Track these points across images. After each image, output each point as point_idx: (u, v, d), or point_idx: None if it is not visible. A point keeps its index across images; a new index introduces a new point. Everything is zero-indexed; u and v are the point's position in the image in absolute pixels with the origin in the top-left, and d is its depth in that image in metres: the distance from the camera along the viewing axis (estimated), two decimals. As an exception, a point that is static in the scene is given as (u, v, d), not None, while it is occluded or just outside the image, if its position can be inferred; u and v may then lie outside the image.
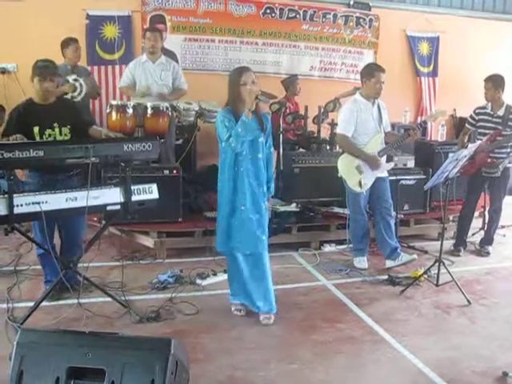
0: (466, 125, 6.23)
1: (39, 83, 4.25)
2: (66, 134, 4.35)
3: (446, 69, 9.58)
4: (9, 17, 7.29)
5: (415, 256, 5.69)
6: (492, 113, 5.95)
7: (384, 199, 5.56)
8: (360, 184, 5.40)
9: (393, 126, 7.46)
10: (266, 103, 4.13)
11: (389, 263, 5.59)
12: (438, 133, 8.37)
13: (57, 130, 4.32)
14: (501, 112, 5.91)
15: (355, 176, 5.42)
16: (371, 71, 5.41)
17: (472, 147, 5.16)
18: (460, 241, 6.31)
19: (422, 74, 9.71)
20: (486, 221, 6.49)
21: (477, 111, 6.10)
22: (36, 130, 4.24)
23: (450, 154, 5.28)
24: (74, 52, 6.48)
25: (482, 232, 6.56)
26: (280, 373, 3.54)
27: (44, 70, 4.25)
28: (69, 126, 4.37)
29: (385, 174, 5.59)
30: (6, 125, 4.28)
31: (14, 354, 2.65)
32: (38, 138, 4.23)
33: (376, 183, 5.49)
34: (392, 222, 5.67)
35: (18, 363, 2.62)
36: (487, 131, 5.96)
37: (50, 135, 4.29)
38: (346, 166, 5.51)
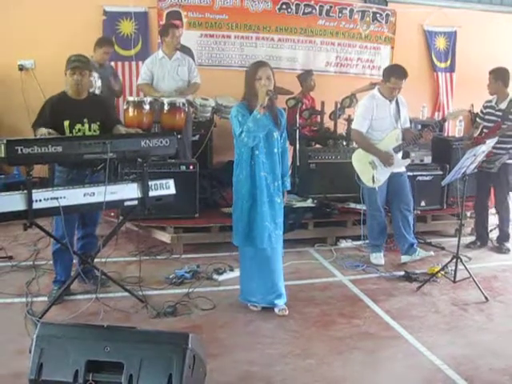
0: (477, 119, 6.16)
1: (70, 76, 4.28)
2: (95, 130, 4.39)
3: (463, 64, 9.49)
4: (26, 13, 7.34)
5: (432, 252, 5.68)
6: (495, 106, 5.91)
7: (404, 194, 5.54)
8: (373, 179, 5.39)
9: (410, 121, 7.41)
10: (275, 99, 4.15)
11: (404, 258, 5.58)
12: (455, 128, 8.30)
13: (86, 125, 4.35)
14: (503, 105, 5.87)
15: (369, 171, 5.41)
16: (389, 76, 5.29)
17: (491, 142, 5.11)
18: (477, 236, 6.31)
19: (438, 69, 9.64)
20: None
21: (485, 105, 6.07)
22: (66, 123, 4.27)
23: (468, 150, 5.24)
24: (102, 54, 6.51)
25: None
26: (296, 368, 3.54)
27: (76, 63, 4.28)
28: (98, 123, 4.40)
29: (402, 170, 5.57)
30: (37, 115, 4.32)
31: (33, 347, 2.68)
32: (67, 132, 4.27)
33: (393, 179, 5.46)
34: (411, 218, 5.65)
35: (37, 356, 2.65)
36: (490, 124, 5.92)
37: (79, 130, 4.33)
38: (360, 161, 5.51)
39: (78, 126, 4.31)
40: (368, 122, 5.36)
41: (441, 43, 9.58)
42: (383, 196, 5.55)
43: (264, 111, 3.97)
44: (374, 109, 5.34)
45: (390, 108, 5.40)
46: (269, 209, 4.18)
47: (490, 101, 6.03)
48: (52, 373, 2.63)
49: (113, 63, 7.84)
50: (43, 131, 4.06)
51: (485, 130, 5.98)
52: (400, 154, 5.49)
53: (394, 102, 5.42)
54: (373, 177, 5.39)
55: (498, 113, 5.88)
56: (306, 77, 7.77)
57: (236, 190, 4.25)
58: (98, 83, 6.14)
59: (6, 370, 3.33)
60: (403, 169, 5.59)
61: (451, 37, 9.57)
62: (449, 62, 9.68)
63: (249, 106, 4.10)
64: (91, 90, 5.83)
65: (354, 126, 5.52)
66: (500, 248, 6.16)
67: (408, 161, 5.66)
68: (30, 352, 2.68)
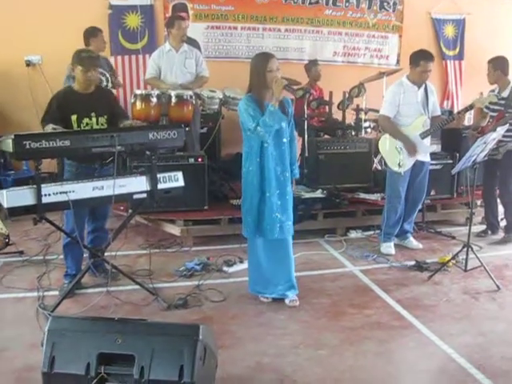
0: (484, 108, 6.06)
1: (82, 73, 4.28)
2: (102, 124, 4.39)
3: (472, 51, 9.41)
4: (32, 9, 7.34)
5: (420, 245, 5.79)
6: (498, 95, 5.85)
7: (421, 184, 5.63)
8: (399, 164, 5.41)
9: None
10: (293, 92, 4.16)
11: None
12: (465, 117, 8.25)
13: (94, 119, 4.36)
14: (505, 93, 5.83)
15: (395, 155, 5.45)
16: (417, 60, 5.35)
17: (501, 130, 5.07)
18: (487, 224, 6.28)
19: (447, 58, 9.60)
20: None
21: (489, 94, 5.97)
22: (74, 117, 4.28)
23: (472, 140, 5.23)
24: (102, 42, 6.52)
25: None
26: (308, 359, 3.53)
27: (87, 60, 4.28)
28: (106, 116, 4.41)
29: (427, 159, 5.61)
30: (45, 111, 4.33)
31: (45, 340, 2.69)
32: (75, 126, 4.28)
33: (416, 167, 5.51)
34: (417, 209, 5.78)
35: (49, 349, 2.65)
36: (495, 114, 5.88)
37: (87, 124, 4.33)
38: (386, 146, 5.55)
39: (86, 119, 4.32)
40: (395, 108, 5.42)
41: (449, 31, 9.52)
42: (406, 183, 5.56)
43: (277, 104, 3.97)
44: (401, 95, 5.39)
45: (417, 94, 5.43)
46: (278, 200, 4.17)
47: (493, 90, 5.98)
48: (64, 366, 2.63)
49: (119, 57, 7.87)
50: (49, 128, 4.06)
51: (491, 120, 5.93)
52: (427, 141, 5.51)
53: (423, 89, 5.45)
54: (399, 161, 5.42)
55: (501, 101, 5.82)
56: (310, 66, 7.78)
57: (246, 183, 4.23)
58: (110, 80, 6.16)
59: (19, 364, 3.35)
60: (428, 158, 5.63)
61: (460, 24, 9.51)
62: (457, 49, 9.63)
63: (257, 97, 4.07)
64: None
65: (381, 111, 5.59)
66: (504, 239, 6.06)
67: (434, 147, 5.71)
68: (42, 345, 2.69)
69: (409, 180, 5.57)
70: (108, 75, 6.24)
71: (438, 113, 5.64)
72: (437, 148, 6.79)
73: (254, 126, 3.98)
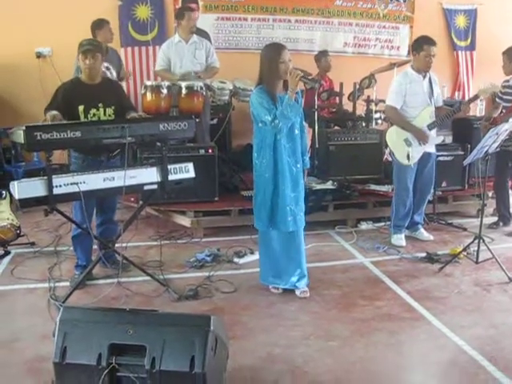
0: (496, 99, 6.01)
1: (83, 60, 4.28)
2: (110, 115, 4.38)
3: (483, 42, 9.32)
4: (43, 1, 7.34)
5: (431, 237, 5.75)
6: None
7: (428, 175, 5.59)
8: (408, 157, 5.37)
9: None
10: (308, 83, 4.14)
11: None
12: (476, 108, 8.18)
13: (101, 110, 4.34)
14: None
15: (403, 148, 5.41)
16: (420, 44, 5.32)
17: (513, 121, 5.04)
18: (499, 216, 6.23)
19: (458, 48, 9.52)
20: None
21: (503, 84, 5.90)
22: (81, 108, 4.27)
23: (484, 131, 5.19)
24: (109, 34, 6.49)
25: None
26: (319, 350, 3.53)
27: (87, 47, 4.28)
28: (113, 107, 4.39)
29: (433, 150, 5.57)
30: (50, 101, 4.32)
31: (57, 330, 2.69)
32: (82, 117, 4.27)
33: (425, 160, 5.48)
34: (426, 200, 5.75)
35: (61, 340, 2.66)
36: (508, 104, 5.81)
37: (94, 115, 4.32)
38: (394, 138, 5.51)
39: (93, 110, 4.31)
40: (402, 98, 5.38)
41: (461, 21, 9.44)
42: (413, 175, 5.53)
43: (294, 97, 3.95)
44: (407, 85, 5.35)
45: (423, 84, 5.40)
46: (291, 192, 4.15)
47: (508, 80, 5.90)
48: (76, 356, 2.63)
49: (129, 48, 7.86)
50: (49, 115, 4.06)
51: (503, 110, 5.88)
52: (434, 132, 5.48)
53: (427, 79, 5.42)
54: (408, 154, 5.38)
55: None
56: (320, 57, 7.76)
57: (258, 175, 4.20)
58: (114, 75, 6.14)
59: (31, 354, 3.38)
60: (434, 149, 5.59)
61: (471, 14, 9.42)
62: (469, 40, 9.54)
63: (269, 89, 4.03)
64: None
65: (387, 102, 5.54)
66: None
67: (441, 138, 5.69)
68: (54, 336, 2.70)
69: (416, 172, 5.54)
70: (112, 69, 6.22)
71: (441, 104, 5.60)
72: (446, 139, 6.75)
73: (271, 119, 3.94)
